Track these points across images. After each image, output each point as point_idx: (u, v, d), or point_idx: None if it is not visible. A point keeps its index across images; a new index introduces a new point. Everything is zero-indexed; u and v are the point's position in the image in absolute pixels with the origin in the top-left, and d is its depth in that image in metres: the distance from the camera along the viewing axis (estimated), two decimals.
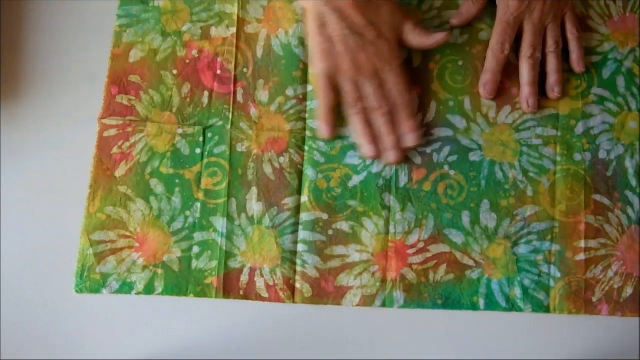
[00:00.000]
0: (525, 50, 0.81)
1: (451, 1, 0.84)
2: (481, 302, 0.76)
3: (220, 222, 0.77)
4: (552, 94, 0.81)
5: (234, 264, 0.77)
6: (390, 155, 0.79)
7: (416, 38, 0.80)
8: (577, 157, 0.80)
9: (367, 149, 0.79)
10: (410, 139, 0.79)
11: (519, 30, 0.81)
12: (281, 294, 0.76)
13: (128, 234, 0.77)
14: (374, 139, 0.79)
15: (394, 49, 0.79)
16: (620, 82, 0.82)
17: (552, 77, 0.81)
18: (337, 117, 0.80)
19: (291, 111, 0.80)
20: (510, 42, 0.81)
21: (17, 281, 0.77)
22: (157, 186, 0.78)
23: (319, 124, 0.80)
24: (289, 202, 0.78)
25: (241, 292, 0.76)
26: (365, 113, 0.79)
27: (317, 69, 0.79)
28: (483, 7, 0.83)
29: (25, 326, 0.76)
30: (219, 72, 0.82)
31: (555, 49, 0.82)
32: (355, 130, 0.80)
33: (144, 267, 0.76)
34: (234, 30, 0.83)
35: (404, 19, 0.80)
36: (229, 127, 0.80)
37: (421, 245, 0.78)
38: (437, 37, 0.80)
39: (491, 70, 0.81)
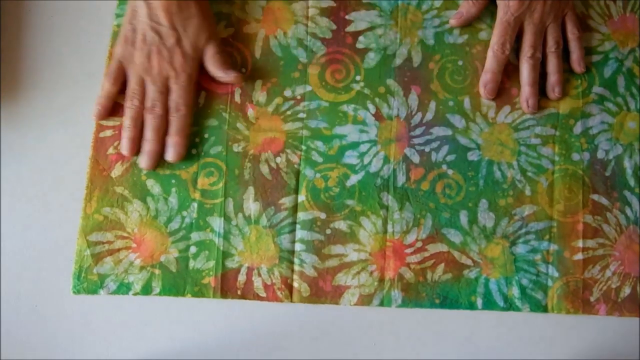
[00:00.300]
0: (526, 50, 0.81)
1: (451, 1, 0.84)
2: (479, 302, 0.76)
3: (217, 222, 0.78)
4: (553, 94, 0.81)
5: (231, 264, 0.77)
6: (142, 161, 0.78)
7: (210, 64, 0.80)
8: (576, 156, 0.79)
9: (123, 145, 0.78)
10: (170, 154, 0.78)
11: (519, 30, 0.81)
12: (279, 293, 0.76)
13: (125, 234, 0.77)
14: (135, 138, 0.78)
15: (187, 62, 0.79)
16: (621, 81, 0.82)
17: (553, 77, 0.81)
18: (335, 116, 0.80)
19: (289, 112, 0.80)
20: (511, 42, 0.81)
21: (17, 281, 0.77)
22: (154, 186, 0.78)
23: (95, 105, 0.79)
24: (286, 201, 0.78)
25: (239, 292, 0.76)
26: (139, 111, 0.78)
27: (114, 51, 0.79)
28: (483, 7, 0.83)
29: (25, 326, 0.76)
30: None
31: (556, 49, 0.82)
32: (123, 123, 0.78)
33: (141, 268, 0.76)
34: (232, 30, 0.83)
35: (209, 40, 0.80)
36: (225, 127, 0.80)
37: (419, 244, 0.78)
38: (228, 76, 0.80)
39: (492, 70, 0.81)
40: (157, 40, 0.77)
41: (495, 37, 0.81)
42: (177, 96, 0.78)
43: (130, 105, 0.78)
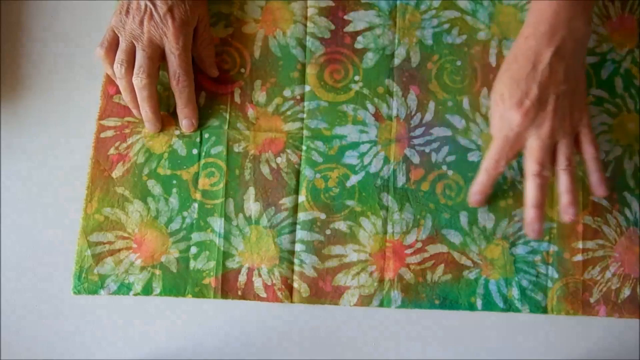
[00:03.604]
0: (531, 167, 0.73)
1: (450, 1, 0.84)
2: (479, 303, 0.76)
3: (217, 223, 0.78)
4: (566, 216, 0.73)
5: (231, 264, 0.77)
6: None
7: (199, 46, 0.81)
8: (576, 158, 0.79)
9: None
10: (184, 125, 0.79)
11: (522, 145, 0.74)
12: (279, 293, 0.76)
13: (126, 235, 0.77)
14: (131, 102, 0.79)
15: (181, 30, 0.77)
16: (619, 83, 0.82)
17: (565, 198, 0.73)
18: (334, 116, 0.81)
19: (289, 112, 0.80)
20: (507, 160, 0.74)
21: (17, 281, 0.77)
22: (155, 187, 0.78)
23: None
24: (286, 202, 0.78)
25: (239, 292, 0.76)
26: (127, 79, 0.77)
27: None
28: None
29: (25, 326, 0.76)
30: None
31: (567, 166, 0.73)
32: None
33: (142, 268, 0.76)
34: (231, 30, 0.83)
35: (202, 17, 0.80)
36: (226, 127, 0.80)
37: (419, 245, 0.78)
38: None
39: (482, 184, 0.76)
40: (151, 8, 0.75)
41: (491, 151, 0.74)
42: (175, 65, 0.77)
43: (117, 74, 0.76)
